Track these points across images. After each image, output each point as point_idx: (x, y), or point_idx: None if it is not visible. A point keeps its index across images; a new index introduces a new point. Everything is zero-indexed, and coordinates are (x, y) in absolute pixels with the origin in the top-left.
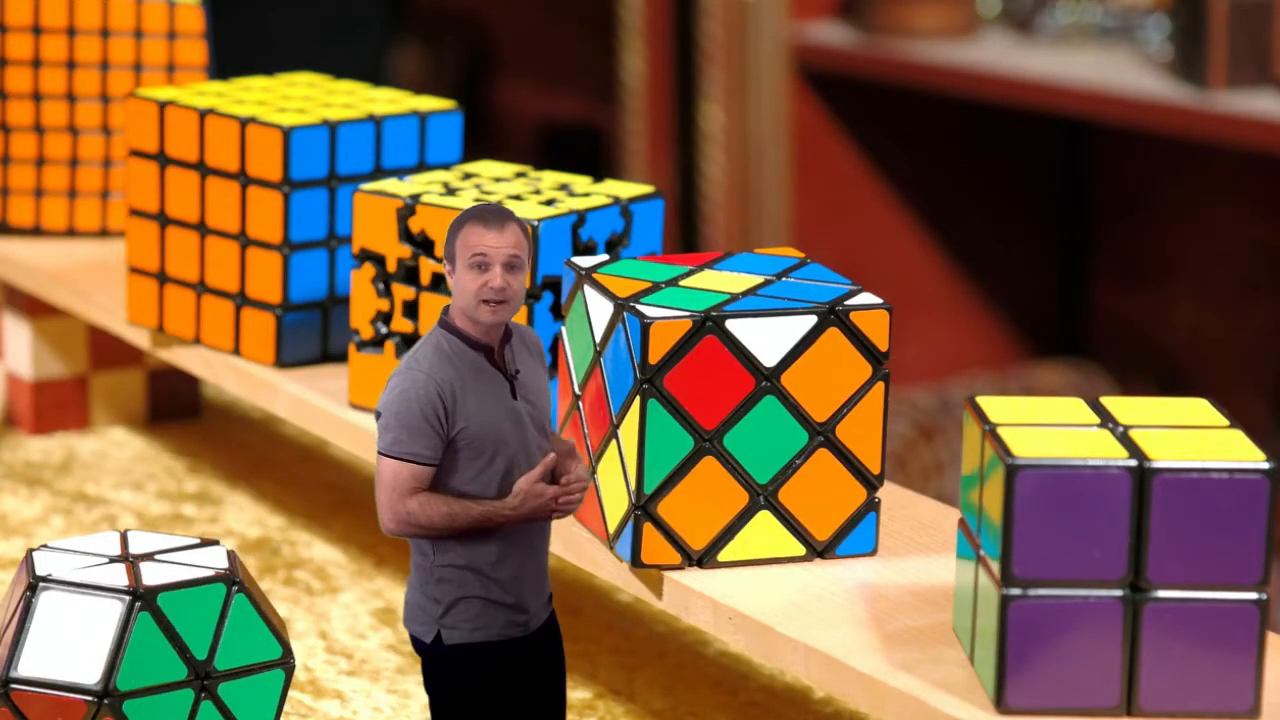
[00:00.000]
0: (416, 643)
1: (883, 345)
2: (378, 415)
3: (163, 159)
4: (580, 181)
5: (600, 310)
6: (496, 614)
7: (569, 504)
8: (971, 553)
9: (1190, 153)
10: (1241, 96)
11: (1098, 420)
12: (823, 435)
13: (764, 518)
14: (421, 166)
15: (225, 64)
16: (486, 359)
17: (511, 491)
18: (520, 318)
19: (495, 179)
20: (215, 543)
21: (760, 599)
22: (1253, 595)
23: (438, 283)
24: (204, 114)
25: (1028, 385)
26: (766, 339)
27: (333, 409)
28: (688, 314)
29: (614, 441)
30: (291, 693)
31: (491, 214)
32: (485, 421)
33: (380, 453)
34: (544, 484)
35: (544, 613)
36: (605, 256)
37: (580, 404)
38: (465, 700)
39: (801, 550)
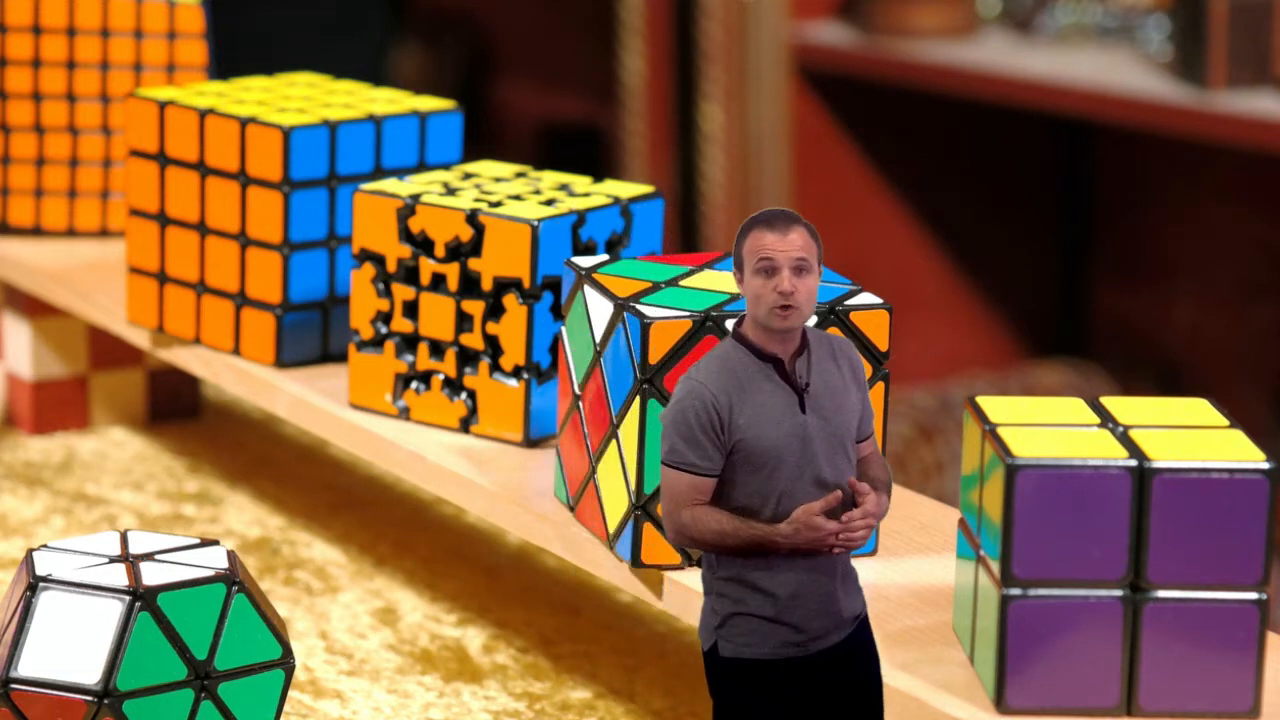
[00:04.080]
0: (702, 648)
1: (883, 345)
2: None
3: (163, 159)
4: (580, 181)
5: (600, 310)
6: (770, 632)
7: (848, 542)
8: (971, 553)
9: (1190, 153)
10: (1241, 96)
11: (1098, 420)
12: None
13: None
14: (421, 166)
15: (225, 64)
16: (776, 370)
17: (788, 515)
18: (519, 318)
19: (495, 179)
20: (215, 543)
21: None
22: (1253, 595)
23: (438, 283)
24: (204, 114)
25: (1028, 385)
26: None
27: (333, 409)
28: (688, 314)
29: (614, 441)
30: (291, 693)
31: (777, 217)
32: (762, 434)
33: (661, 461)
34: (823, 518)
35: (835, 635)
36: (605, 256)
37: (580, 404)
38: (738, 713)
39: None
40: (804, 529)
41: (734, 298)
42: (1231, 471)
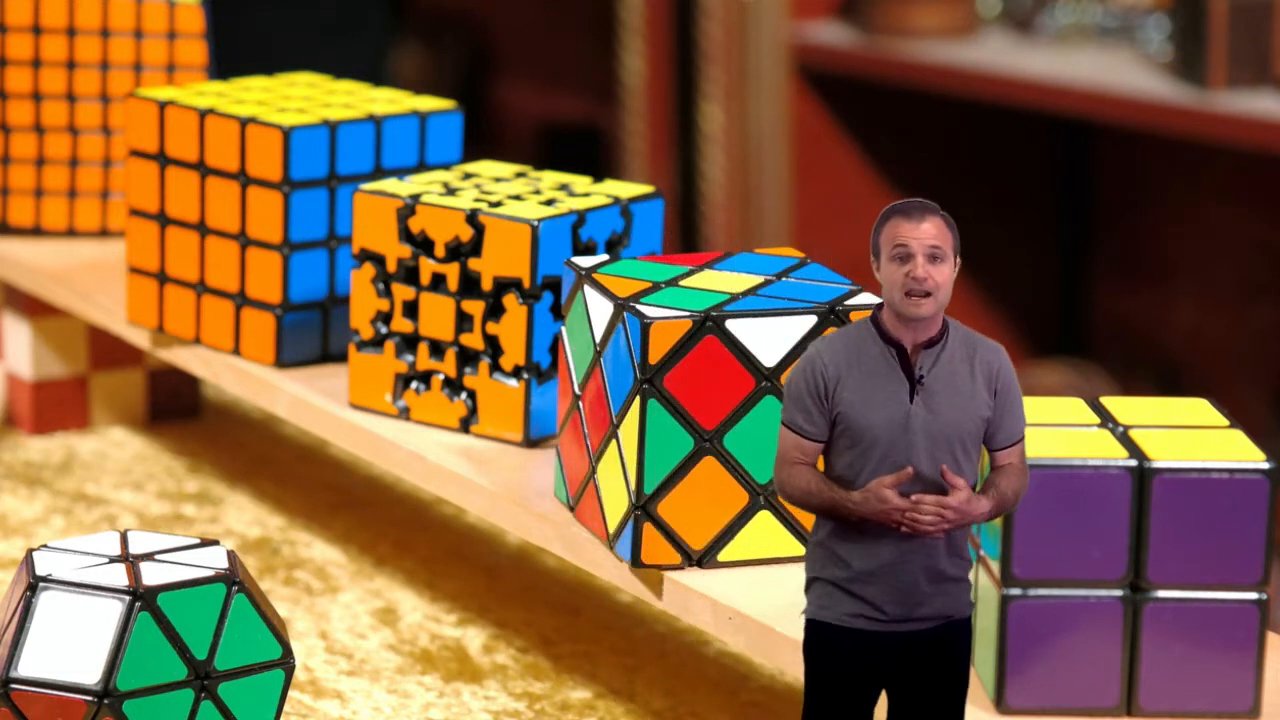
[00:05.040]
0: None
1: None
2: None
3: (163, 159)
4: (580, 181)
5: (600, 310)
6: (843, 599)
7: (914, 522)
8: (971, 553)
9: (1190, 153)
10: (1241, 96)
11: (1098, 420)
12: None
13: (764, 518)
14: (421, 166)
15: (225, 64)
16: (897, 356)
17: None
18: (519, 318)
19: (495, 179)
20: (215, 543)
21: (760, 599)
22: (1253, 595)
23: (438, 283)
24: (204, 114)
25: (1028, 385)
26: (766, 339)
27: (333, 409)
28: (688, 314)
29: (614, 441)
30: (291, 693)
31: (914, 206)
32: (861, 413)
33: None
34: (892, 493)
35: (915, 623)
36: (605, 256)
37: (580, 404)
38: (812, 679)
39: (801, 550)
40: (873, 499)
41: (734, 297)
42: (1231, 471)
